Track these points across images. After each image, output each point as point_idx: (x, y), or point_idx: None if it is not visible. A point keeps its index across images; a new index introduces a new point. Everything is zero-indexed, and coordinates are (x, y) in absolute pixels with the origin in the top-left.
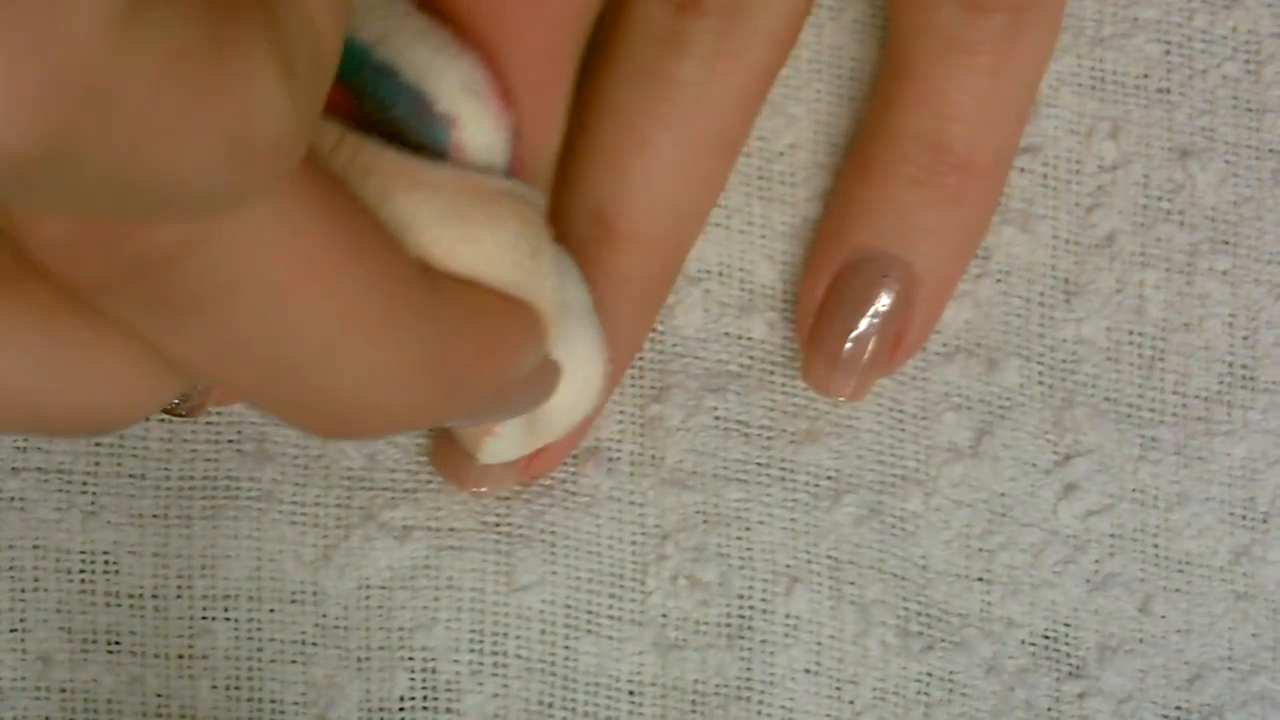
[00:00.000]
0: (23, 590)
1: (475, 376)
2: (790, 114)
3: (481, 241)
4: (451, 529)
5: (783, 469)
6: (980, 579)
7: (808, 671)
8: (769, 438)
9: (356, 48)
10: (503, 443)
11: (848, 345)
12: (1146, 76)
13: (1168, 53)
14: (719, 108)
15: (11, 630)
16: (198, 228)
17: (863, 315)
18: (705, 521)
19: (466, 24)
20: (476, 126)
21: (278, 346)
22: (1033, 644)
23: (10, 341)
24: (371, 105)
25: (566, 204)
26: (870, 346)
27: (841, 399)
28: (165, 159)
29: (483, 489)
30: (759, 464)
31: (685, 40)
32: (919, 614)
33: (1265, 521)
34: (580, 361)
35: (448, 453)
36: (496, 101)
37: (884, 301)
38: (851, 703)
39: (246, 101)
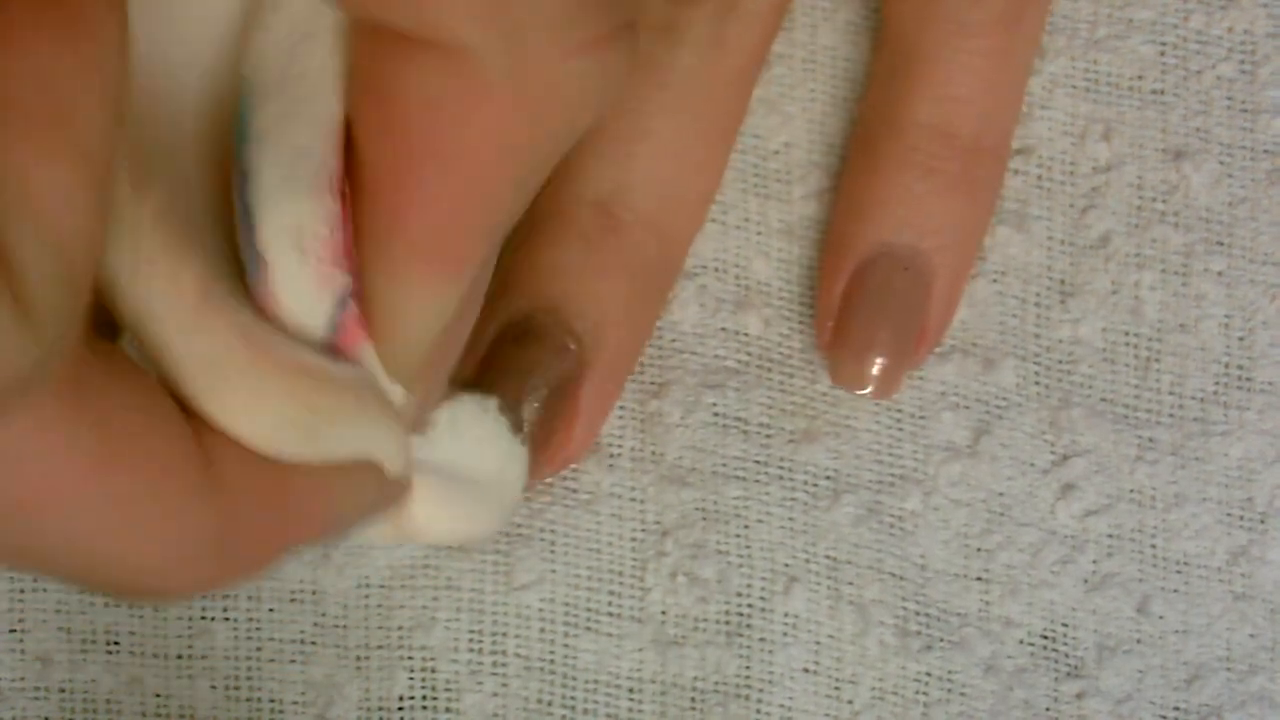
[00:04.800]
0: (22, 590)
1: (274, 541)
2: (785, 112)
3: (243, 414)
4: None
5: (781, 468)
6: (979, 578)
7: (806, 670)
8: (768, 435)
9: (245, 110)
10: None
11: (874, 341)
12: (1140, 78)
13: (1162, 54)
14: (716, 95)
15: (11, 630)
16: None
17: (886, 309)
18: (705, 518)
19: (374, 161)
20: (291, 281)
21: (42, 554)
22: (1031, 644)
23: None
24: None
25: (568, 196)
26: (898, 340)
27: (872, 395)
28: None
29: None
30: (757, 462)
31: (682, 29)
32: (917, 613)
33: (1263, 522)
34: (459, 509)
35: None
36: (329, 262)
37: (906, 293)
38: (850, 702)
39: None
